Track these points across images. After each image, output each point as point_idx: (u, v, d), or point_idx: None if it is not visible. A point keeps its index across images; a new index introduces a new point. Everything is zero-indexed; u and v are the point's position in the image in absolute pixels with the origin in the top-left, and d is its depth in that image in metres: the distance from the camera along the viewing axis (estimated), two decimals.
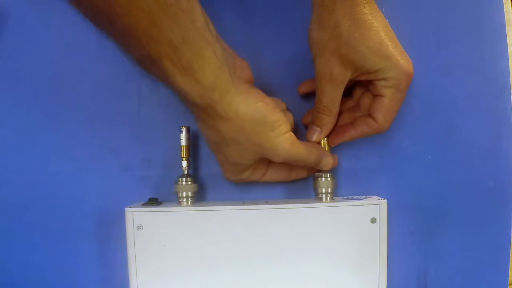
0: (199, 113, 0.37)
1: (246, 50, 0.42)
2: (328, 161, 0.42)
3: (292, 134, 0.38)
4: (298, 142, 0.39)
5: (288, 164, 0.42)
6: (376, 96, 0.40)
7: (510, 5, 0.47)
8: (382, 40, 0.37)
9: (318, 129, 0.42)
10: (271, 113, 0.37)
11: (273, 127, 0.37)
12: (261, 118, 0.36)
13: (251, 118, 0.36)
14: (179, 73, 0.32)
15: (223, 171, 0.42)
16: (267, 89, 0.42)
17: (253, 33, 0.45)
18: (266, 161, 0.42)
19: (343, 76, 0.38)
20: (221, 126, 0.36)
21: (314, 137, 0.42)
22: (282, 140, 0.37)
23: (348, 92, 0.43)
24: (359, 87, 0.43)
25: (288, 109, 0.43)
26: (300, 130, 0.46)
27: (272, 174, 0.43)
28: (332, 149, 0.44)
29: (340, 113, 0.43)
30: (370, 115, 0.41)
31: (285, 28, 0.45)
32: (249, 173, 0.41)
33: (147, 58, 0.32)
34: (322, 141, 0.43)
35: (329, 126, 0.42)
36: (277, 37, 0.45)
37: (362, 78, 0.39)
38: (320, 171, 0.43)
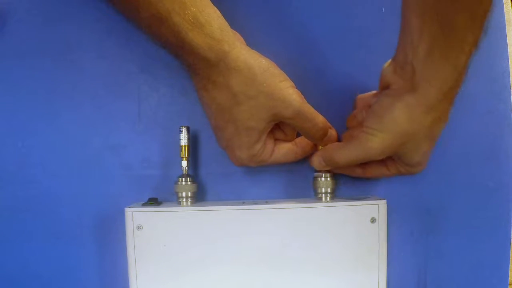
0: (209, 75, 0.38)
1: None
2: (334, 133, 0.42)
3: (298, 90, 0.39)
4: (305, 100, 0.39)
5: (294, 144, 0.43)
6: (383, 164, 0.42)
7: (510, 5, 0.47)
8: (433, 145, 0.39)
9: (325, 166, 0.42)
10: (274, 66, 0.39)
11: (281, 79, 0.38)
12: (269, 70, 0.38)
13: (260, 68, 0.38)
14: (189, 27, 0.35)
15: (232, 151, 0.41)
16: None
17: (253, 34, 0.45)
18: (273, 138, 0.42)
19: (382, 156, 0.38)
20: (232, 80, 0.37)
21: (318, 168, 0.42)
22: (292, 91, 0.39)
23: None
24: None
25: None
26: None
27: (280, 152, 0.42)
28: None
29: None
30: (361, 166, 0.43)
31: (283, 27, 0.45)
32: (260, 147, 0.40)
33: (156, 17, 0.34)
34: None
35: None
36: (276, 36, 0.45)
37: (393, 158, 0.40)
38: (320, 170, 0.43)
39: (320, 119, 0.40)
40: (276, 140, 0.43)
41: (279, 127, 0.42)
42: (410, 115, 0.35)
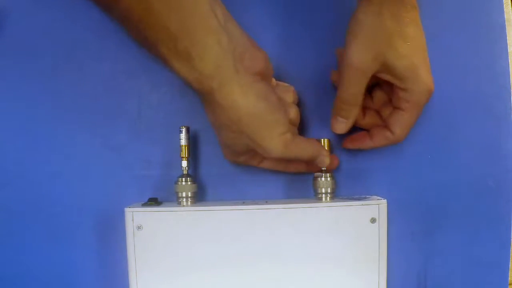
0: (199, 94, 0.38)
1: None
2: (324, 160, 0.41)
3: (288, 135, 0.37)
4: (293, 142, 0.38)
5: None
6: (396, 108, 0.41)
7: (510, 5, 0.47)
8: (419, 51, 0.38)
9: (345, 120, 0.41)
10: (270, 112, 0.36)
11: (269, 127, 0.36)
12: (259, 115, 0.35)
13: (249, 112, 0.35)
14: (175, 58, 0.33)
15: (222, 151, 0.43)
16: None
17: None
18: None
19: (371, 68, 0.37)
20: (218, 112, 0.36)
21: (341, 129, 0.41)
22: (276, 141, 0.37)
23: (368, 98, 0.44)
24: (381, 95, 0.43)
25: (297, 100, 0.42)
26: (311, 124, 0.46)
27: (269, 163, 0.43)
28: (333, 150, 0.44)
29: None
30: (387, 127, 0.41)
31: (291, 25, 0.45)
32: (245, 159, 0.42)
33: (145, 42, 0.34)
34: (322, 140, 0.43)
35: (354, 117, 0.41)
36: (284, 33, 0.45)
37: (386, 78, 0.39)
38: (320, 170, 0.43)
39: (306, 155, 0.39)
40: None
41: None
42: (376, 19, 0.36)
